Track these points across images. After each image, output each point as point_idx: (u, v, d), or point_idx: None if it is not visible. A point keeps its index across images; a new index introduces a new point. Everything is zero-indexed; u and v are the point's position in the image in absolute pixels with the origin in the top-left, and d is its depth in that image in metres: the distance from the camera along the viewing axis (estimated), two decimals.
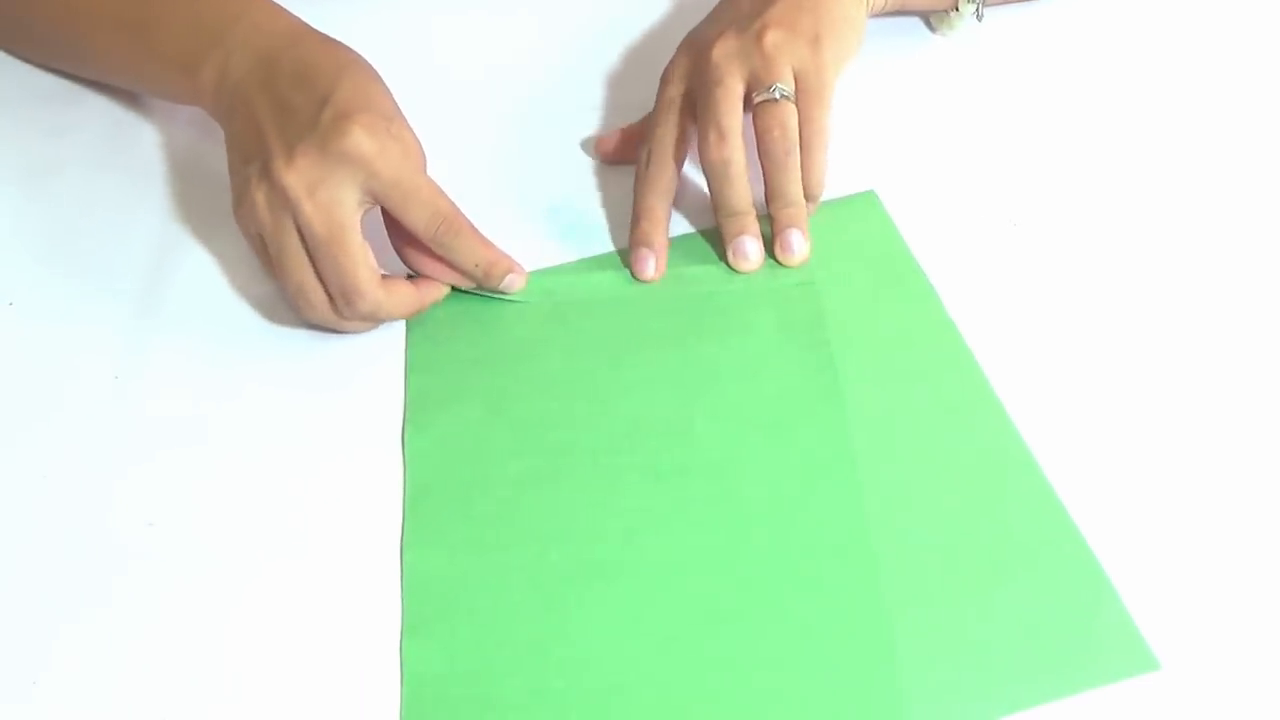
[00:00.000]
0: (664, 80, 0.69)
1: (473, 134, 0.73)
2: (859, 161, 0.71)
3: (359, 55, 0.64)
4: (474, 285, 0.65)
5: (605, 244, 0.68)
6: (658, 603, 0.54)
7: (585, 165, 0.72)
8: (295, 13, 0.67)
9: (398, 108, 0.62)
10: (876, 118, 0.73)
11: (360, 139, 0.59)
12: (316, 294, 0.61)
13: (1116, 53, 0.77)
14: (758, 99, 0.65)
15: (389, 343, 0.64)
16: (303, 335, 0.65)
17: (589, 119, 0.74)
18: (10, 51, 0.78)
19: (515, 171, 0.71)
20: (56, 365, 0.64)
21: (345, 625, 0.55)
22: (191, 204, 0.71)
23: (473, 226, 0.63)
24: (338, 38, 0.65)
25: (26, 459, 0.60)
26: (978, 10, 0.76)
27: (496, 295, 0.65)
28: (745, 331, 0.63)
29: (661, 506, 0.57)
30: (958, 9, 0.76)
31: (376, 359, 0.64)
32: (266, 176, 0.60)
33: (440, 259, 0.63)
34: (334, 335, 0.64)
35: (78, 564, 0.57)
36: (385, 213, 0.62)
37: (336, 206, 0.60)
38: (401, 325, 0.65)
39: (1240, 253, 0.66)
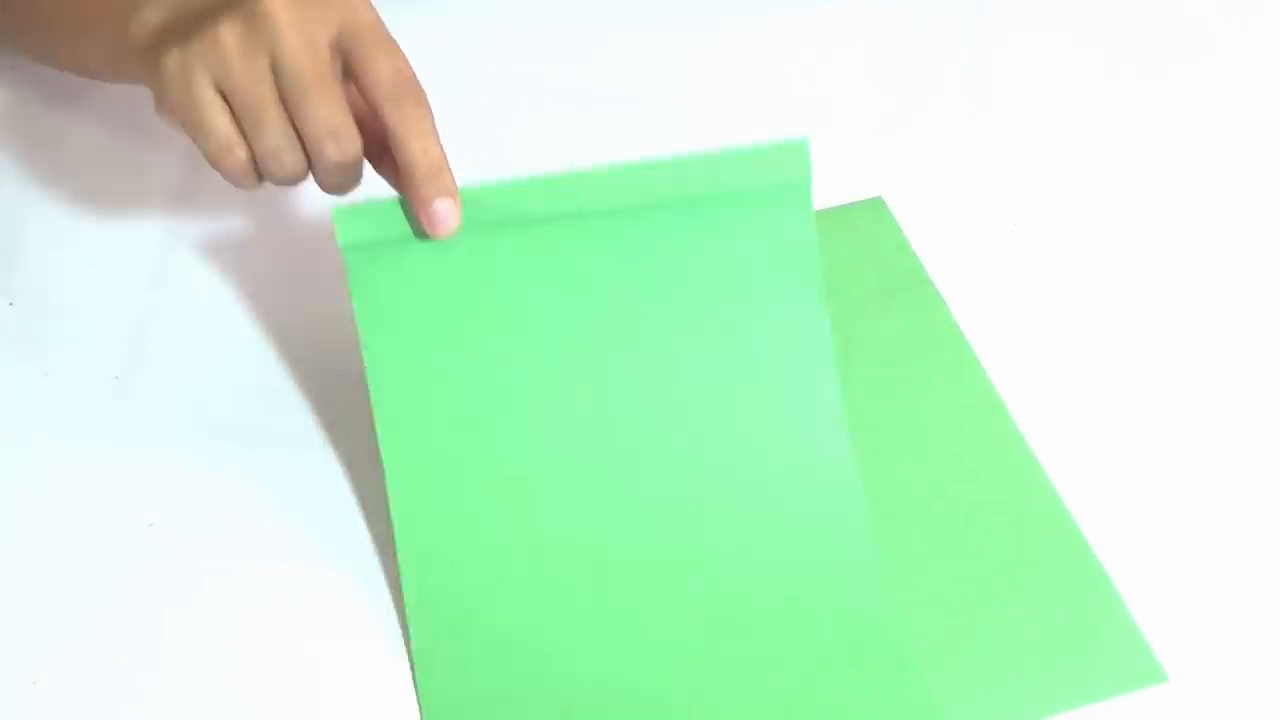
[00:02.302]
0: None
1: (469, 132, 0.72)
2: (859, 161, 0.71)
3: None
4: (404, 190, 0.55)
5: None
6: (663, 610, 0.54)
7: (583, 164, 0.71)
8: None
9: None
10: (877, 118, 0.73)
11: None
12: (290, 146, 0.53)
13: (1118, 51, 0.77)
14: None
15: None
16: (303, 335, 0.65)
17: (587, 115, 0.74)
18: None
19: (513, 170, 0.71)
20: (56, 365, 0.64)
21: (345, 624, 0.55)
22: (193, 204, 0.70)
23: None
24: None
25: (26, 459, 0.60)
26: None
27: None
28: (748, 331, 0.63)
29: (663, 522, 0.56)
30: None
31: None
32: (235, 11, 0.52)
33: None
34: (334, 334, 0.64)
35: (78, 564, 0.57)
36: None
37: (322, 43, 0.52)
38: None
39: (1244, 252, 0.66)
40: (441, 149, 0.54)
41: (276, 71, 0.52)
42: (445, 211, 0.54)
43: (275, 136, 0.53)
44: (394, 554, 0.56)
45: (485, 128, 0.73)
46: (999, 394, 0.60)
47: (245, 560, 0.57)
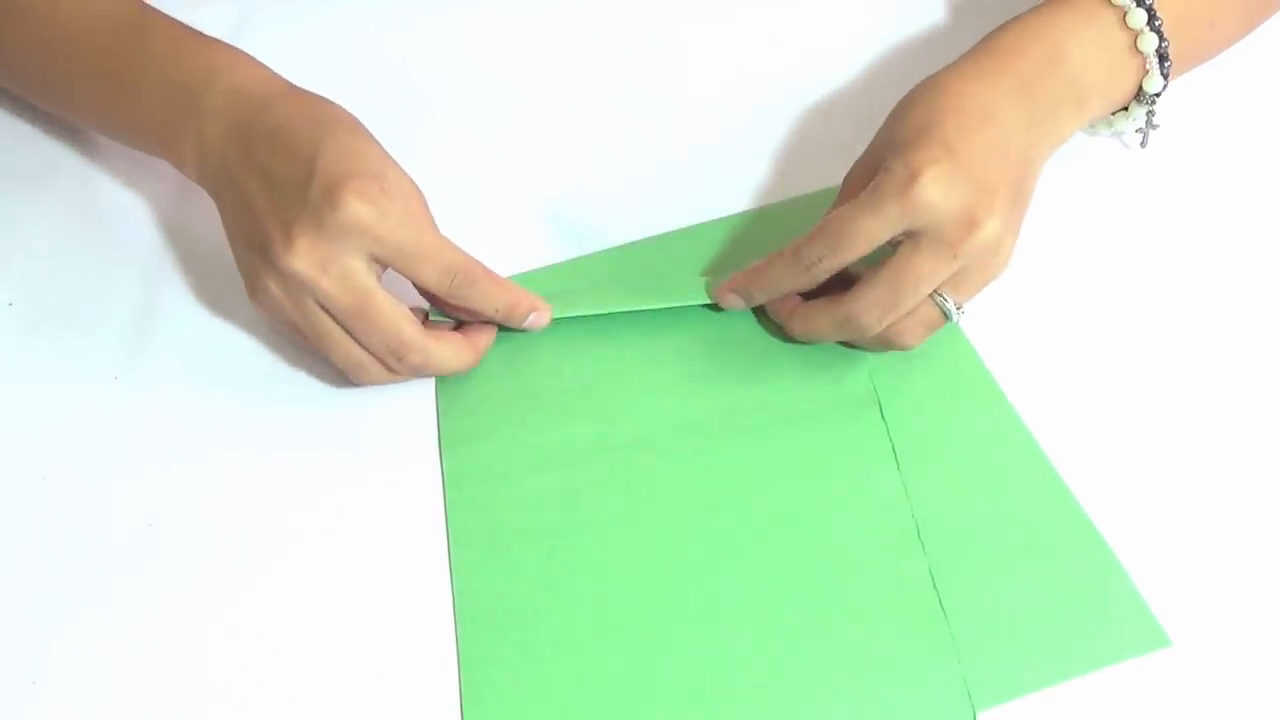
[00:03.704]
0: (910, 198, 0.56)
1: (469, 134, 0.73)
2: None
3: (336, 108, 0.61)
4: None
5: (604, 242, 0.68)
6: (710, 625, 0.54)
7: (583, 164, 0.72)
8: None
9: (385, 155, 0.59)
10: (876, 116, 0.74)
11: (356, 208, 0.56)
12: (366, 360, 0.59)
13: None
14: (936, 295, 0.58)
15: None
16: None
17: (586, 116, 0.74)
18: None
19: (512, 171, 0.71)
20: (57, 365, 0.64)
21: (344, 624, 0.55)
22: (193, 204, 0.70)
23: (487, 271, 0.60)
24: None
25: (26, 459, 0.60)
26: (1144, 129, 0.67)
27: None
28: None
29: (705, 535, 0.57)
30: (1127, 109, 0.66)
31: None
32: (273, 265, 0.57)
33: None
34: None
35: (78, 564, 0.57)
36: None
37: (352, 277, 0.57)
38: None
39: (1245, 252, 0.66)
40: (505, 290, 0.61)
41: (326, 310, 0.58)
42: (534, 321, 0.62)
43: (345, 355, 0.59)
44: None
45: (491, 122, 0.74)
46: (996, 380, 0.60)
47: (245, 560, 0.57)
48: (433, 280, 0.59)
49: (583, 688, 0.53)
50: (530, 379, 0.63)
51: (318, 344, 0.59)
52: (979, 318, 0.63)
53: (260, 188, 0.59)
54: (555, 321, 0.63)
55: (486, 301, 0.61)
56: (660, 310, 0.64)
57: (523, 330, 0.63)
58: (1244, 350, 0.62)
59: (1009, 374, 0.61)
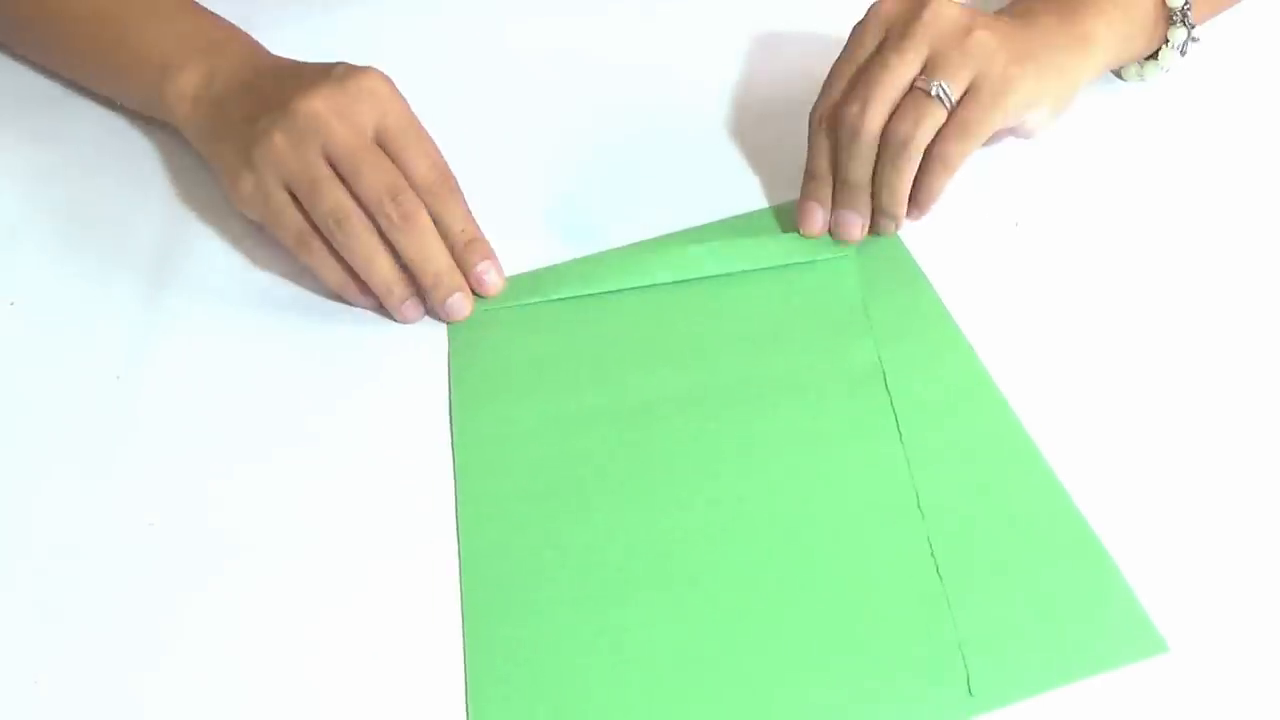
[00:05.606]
0: (866, 20, 0.65)
1: (470, 133, 0.73)
2: None
3: None
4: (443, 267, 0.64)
5: (606, 242, 0.68)
6: (714, 597, 0.54)
7: (584, 163, 0.72)
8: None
9: None
10: None
11: (378, 80, 0.63)
12: (352, 210, 0.61)
13: None
14: (917, 83, 0.62)
15: (390, 347, 0.64)
16: (303, 336, 0.65)
17: (588, 116, 0.74)
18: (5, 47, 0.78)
19: (512, 171, 0.71)
20: (58, 365, 0.64)
21: (344, 625, 0.55)
22: (192, 204, 0.71)
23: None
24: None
25: (27, 459, 0.60)
26: (1183, 47, 0.71)
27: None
28: (783, 328, 0.64)
29: (711, 505, 0.57)
30: (1165, 45, 0.71)
31: (377, 362, 0.64)
32: (284, 115, 0.61)
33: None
34: (334, 337, 0.65)
35: (78, 564, 0.57)
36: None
37: (363, 128, 0.62)
38: (419, 336, 0.65)
39: (1245, 250, 0.66)
40: (474, 225, 0.64)
41: (330, 157, 0.61)
42: (484, 271, 0.64)
43: (336, 202, 0.61)
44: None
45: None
46: (996, 384, 0.60)
47: (245, 560, 0.57)
48: (422, 167, 0.62)
49: (585, 648, 0.53)
50: (541, 347, 0.63)
51: (311, 194, 0.61)
52: (979, 318, 0.63)
53: (277, 81, 0.64)
54: (566, 295, 0.65)
55: (458, 213, 0.64)
56: (669, 282, 0.65)
57: (473, 274, 0.64)
58: (1243, 355, 0.62)
59: (1009, 375, 0.61)
